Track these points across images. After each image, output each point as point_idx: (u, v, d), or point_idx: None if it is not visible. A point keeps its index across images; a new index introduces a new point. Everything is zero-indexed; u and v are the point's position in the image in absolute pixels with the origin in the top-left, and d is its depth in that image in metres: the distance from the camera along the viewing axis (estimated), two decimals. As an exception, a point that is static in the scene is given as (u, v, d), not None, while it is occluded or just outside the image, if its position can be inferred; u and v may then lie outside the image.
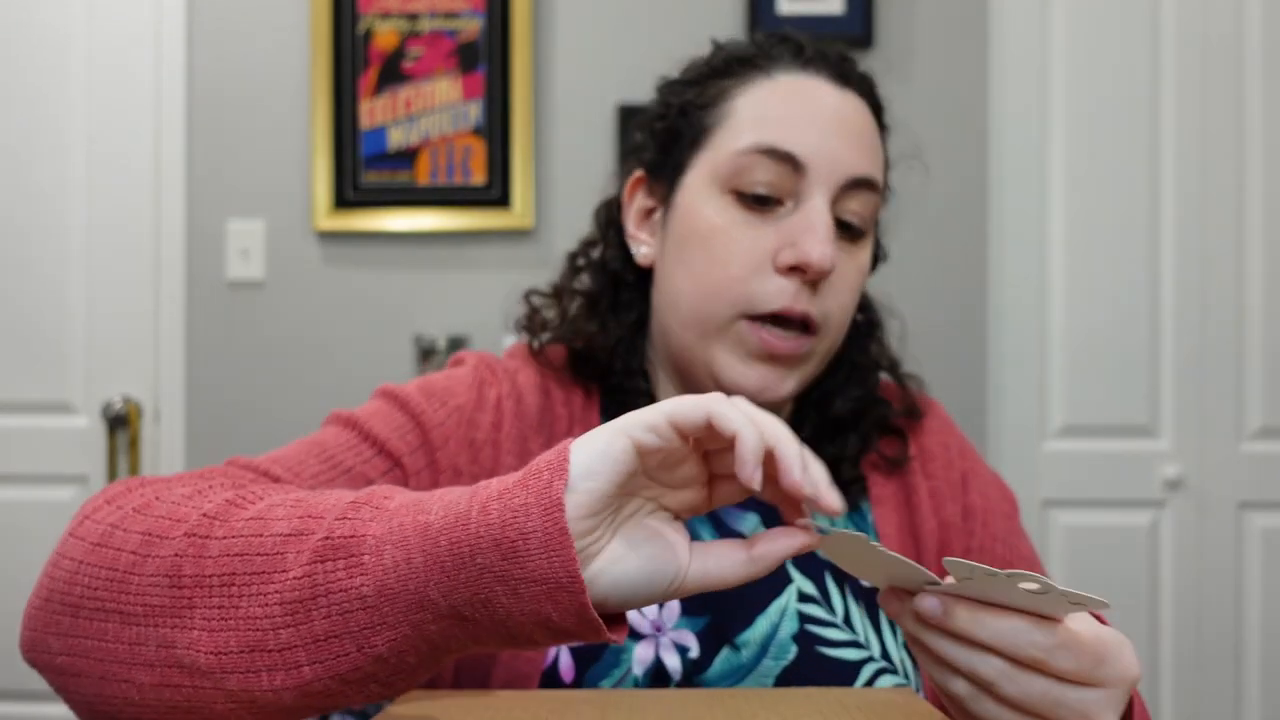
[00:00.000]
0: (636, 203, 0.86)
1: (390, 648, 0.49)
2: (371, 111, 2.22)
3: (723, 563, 0.51)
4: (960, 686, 0.51)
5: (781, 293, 0.75)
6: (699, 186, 0.79)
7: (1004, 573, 0.48)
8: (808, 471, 0.49)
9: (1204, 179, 2.23)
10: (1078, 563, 2.21)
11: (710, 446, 0.52)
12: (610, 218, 0.89)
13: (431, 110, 2.21)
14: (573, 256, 0.91)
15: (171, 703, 0.53)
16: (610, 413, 0.85)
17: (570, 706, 0.63)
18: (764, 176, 0.76)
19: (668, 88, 0.85)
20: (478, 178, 2.21)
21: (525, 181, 2.20)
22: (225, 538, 0.53)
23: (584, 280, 0.90)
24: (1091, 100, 2.24)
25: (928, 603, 0.51)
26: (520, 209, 2.20)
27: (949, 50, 2.23)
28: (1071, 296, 2.24)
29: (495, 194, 2.21)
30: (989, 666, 0.50)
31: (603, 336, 0.84)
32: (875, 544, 0.51)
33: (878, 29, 2.20)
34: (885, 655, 0.77)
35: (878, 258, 0.88)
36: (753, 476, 0.48)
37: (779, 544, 0.51)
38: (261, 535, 0.52)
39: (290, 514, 0.53)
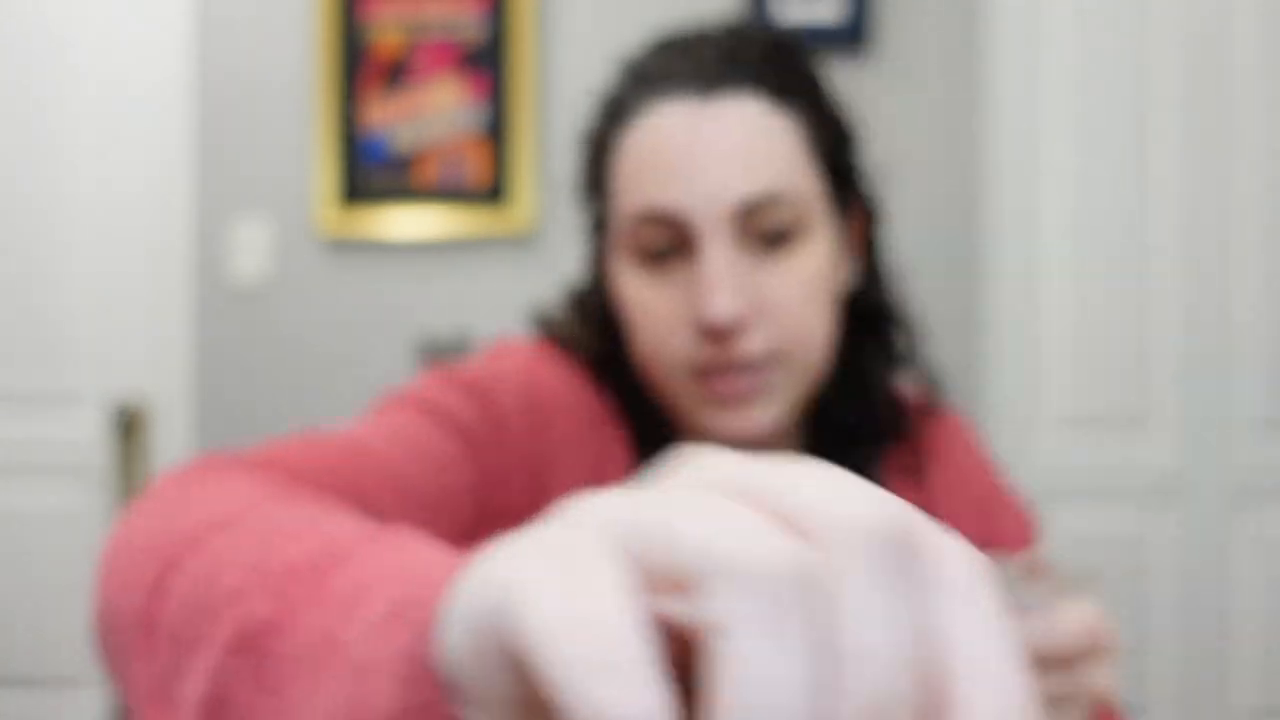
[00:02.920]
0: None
1: None
2: (376, 115, 2.24)
3: None
4: None
5: (707, 350, 0.70)
6: (615, 255, 0.76)
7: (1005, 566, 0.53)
8: None
9: (1198, 171, 2.25)
10: (1070, 558, 2.24)
11: None
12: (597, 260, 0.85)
13: (435, 114, 2.24)
14: (574, 294, 0.86)
15: None
16: (635, 419, 0.82)
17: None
18: (654, 239, 0.71)
19: (579, 141, 0.81)
20: (481, 181, 2.23)
21: (529, 185, 2.22)
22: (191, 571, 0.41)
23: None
24: (1084, 94, 2.26)
25: None
26: (524, 213, 2.22)
27: (945, 56, 2.25)
28: (1065, 292, 2.26)
29: (499, 198, 2.23)
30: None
31: (615, 356, 0.81)
32: None
33: (874, 35, 2.23)
34: None
35: (871, 217, 0.80)
36: None
37: None
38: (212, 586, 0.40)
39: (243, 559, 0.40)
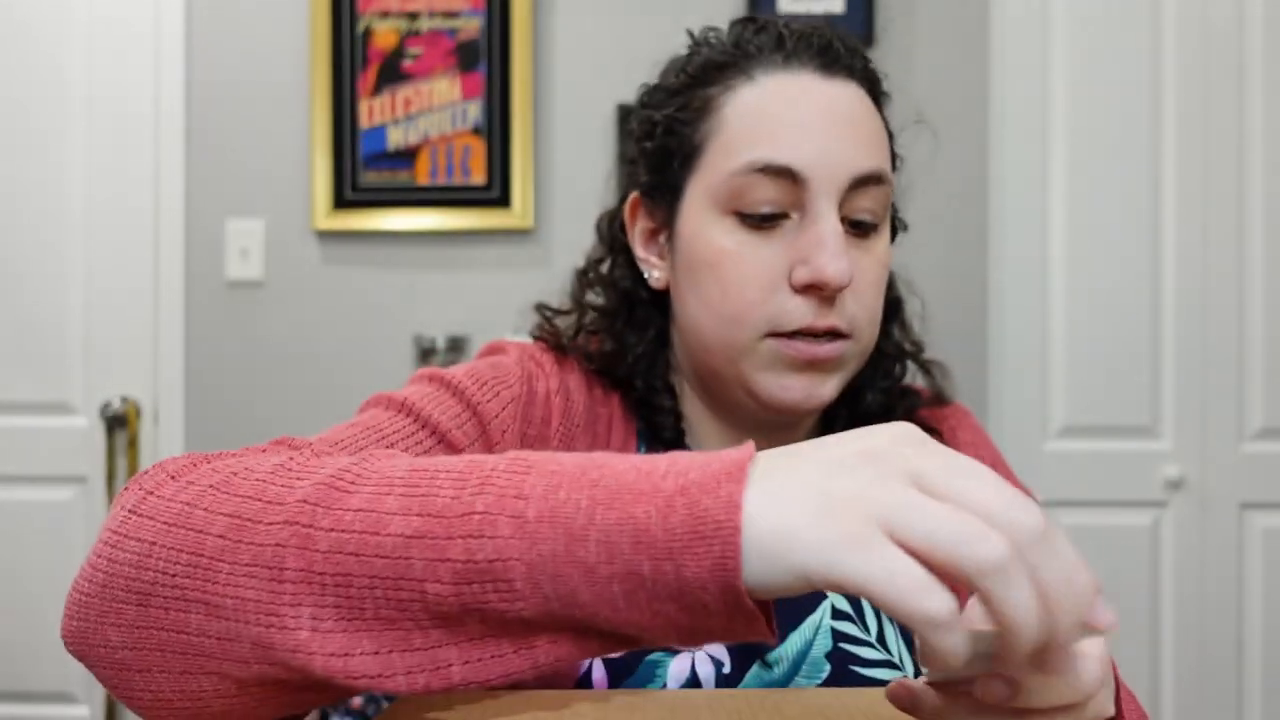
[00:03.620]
0: (640, 224, 0.82)
1: (550, 657, 0.46)
2: (371, 111, 2.21)
3: None
4: None
5: (802, 311, 0.73)
6: (699, 210, 0.76)
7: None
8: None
9: (1205, 178, 2.23)
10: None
11: None
12: (614, 236, 0.85)
13: (431, 109, 2.21)
14: (582, 273, 0.87)
15: (272, 696, 0.50)
16: (641, 417, 0.82)
17: (569, 706, 0.63)
18: (765, 194, 0.72)
19: (650, 99, 0.81)
20: (477, 177, 2.21)
21: (525, 181, 2.20)
22: (333, 530, 0.47)
23: (594, 296, 0.86)
24: (1092, 99, 2.24)
25: (996, 689, 0.48)
26: (520, 208, 2.20)
27: (950, 49, 2.22)
28: (1072, 297, 2.24)
29: (495, 193, 2.20)
30: None
31: (621, 353, 0.81)
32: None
33: (878, 28, 2.20)
34: (919, 675, 0.76)
35: (895, 230, 0.84)
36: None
37: None
38: (378, 534, 0.46)
39: (404, 508, 0.46)
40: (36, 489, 2.29)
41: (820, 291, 0.72)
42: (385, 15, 2.22)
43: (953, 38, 2.22)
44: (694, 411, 0.83)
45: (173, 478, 0.54)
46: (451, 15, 2.22)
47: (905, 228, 0.85)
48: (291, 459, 0.53)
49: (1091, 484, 2.23)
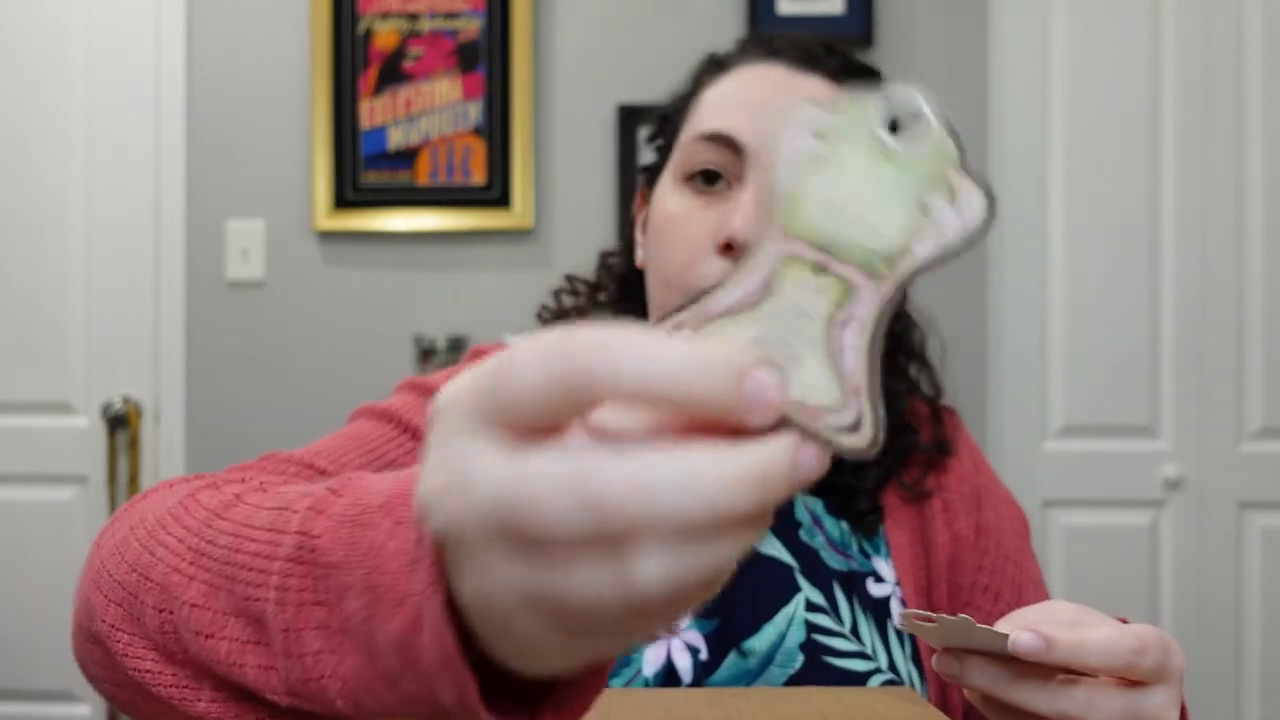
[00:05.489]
0: (642, 211, 0.89)
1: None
2: (371, 111, 2.21)
3: None
4: None
5: (718, 274, 0.72)
6: (666, 182, 0.82)
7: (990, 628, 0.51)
8: None
9: (1204, 178, 2.23)
10: (1078, 563, 2.21)
11: None
12: (630, 226, 0.93)
13: (431, 110, 2.21)
14: (604, 255, 0.95)
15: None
16: None
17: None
18: (706, 158, 0.77)
19: (672, 97, 0.89)
20: (478, 178, 2.21)
21: (525, 181, 2.20)
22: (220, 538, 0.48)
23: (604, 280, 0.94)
24: (1092, 100, 2.24)
25: (1025, 639, 0.50)
26: (520, 209, 2.20)
27: (949, 50, 2.22)
28: (1071, 297, 2.24)
29: (495, 194, 2.21)
30: (1072, 701, 0.50)
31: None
32: (973, 624, 0.51)
33: (878, 29, 2.20)
34: (892, 667, 0.77)
35: None
36: None
37: None
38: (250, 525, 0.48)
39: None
40: (37, 489, 2.29)
41: (734, 254, 0.72)
42: (386, 16, 2.22)
43: (952, 38, 2.23)
44: None
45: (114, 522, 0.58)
46: (452, 16, 2.22)
47: None
48: (192, 496, 0.55)
49: (1090, 484, 2.23)
